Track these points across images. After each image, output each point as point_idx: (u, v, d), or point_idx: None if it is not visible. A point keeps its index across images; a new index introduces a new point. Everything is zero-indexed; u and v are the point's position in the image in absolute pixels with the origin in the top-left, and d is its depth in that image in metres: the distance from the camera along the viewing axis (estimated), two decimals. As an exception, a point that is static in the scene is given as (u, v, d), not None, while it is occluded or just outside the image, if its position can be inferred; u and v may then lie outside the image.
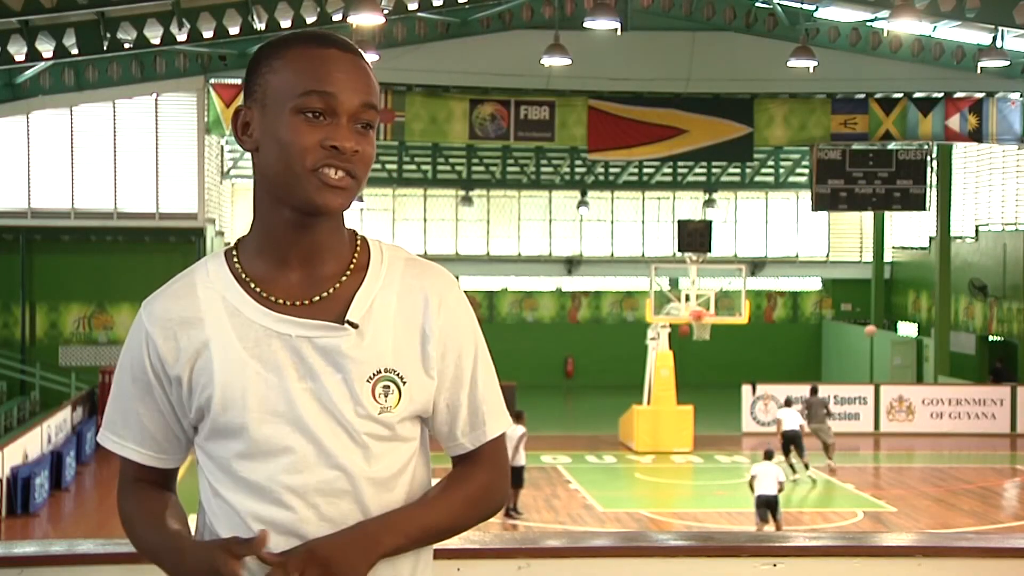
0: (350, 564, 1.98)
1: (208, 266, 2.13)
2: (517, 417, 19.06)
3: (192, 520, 2.19)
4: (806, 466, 21.63)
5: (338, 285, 2.07)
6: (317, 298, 2.06)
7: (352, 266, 2.10)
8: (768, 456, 18.51)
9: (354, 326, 2.04)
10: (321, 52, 2.05)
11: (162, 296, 2.13)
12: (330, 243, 2.09)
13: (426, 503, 2.12)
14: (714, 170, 37.60)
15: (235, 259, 2.11)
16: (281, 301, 2.06)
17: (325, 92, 2.02)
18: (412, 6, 24.57)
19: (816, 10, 26.64)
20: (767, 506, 17.78)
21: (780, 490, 17.98)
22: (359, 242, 2.14)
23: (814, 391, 24.04)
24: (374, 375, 2.04)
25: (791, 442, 21.57)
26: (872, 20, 26.38)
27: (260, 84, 2.07)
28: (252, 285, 2.07)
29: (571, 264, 38.07)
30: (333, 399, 2.03)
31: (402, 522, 2.06)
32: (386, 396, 2.05)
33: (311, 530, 2.03)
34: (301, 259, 2.08)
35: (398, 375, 2.06)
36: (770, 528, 18.51)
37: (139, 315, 2.13)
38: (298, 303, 2.06)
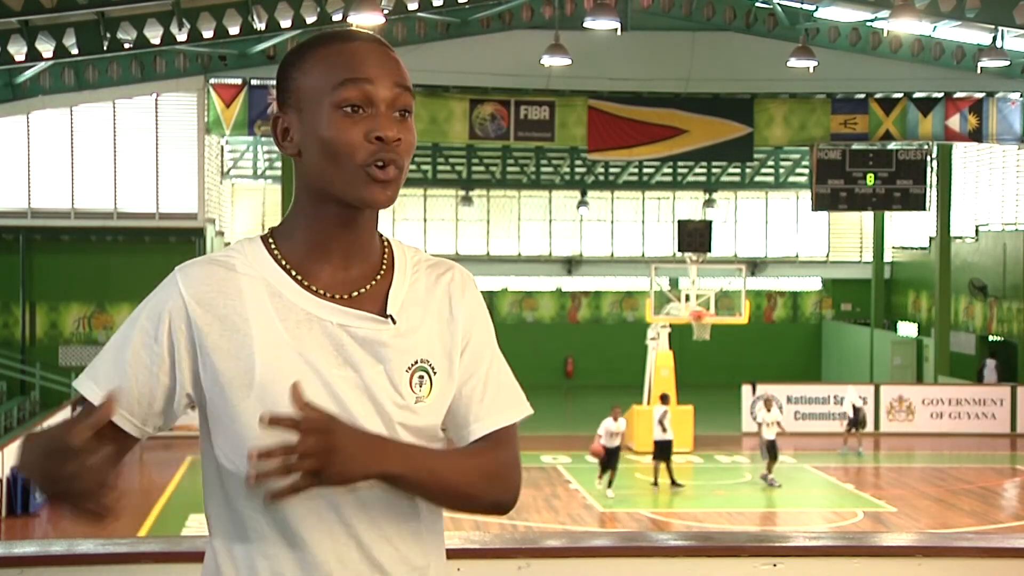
0: (351, 459, 1.94)
1: (245, 248, 2.12)
2: (663, 399, 22.05)
3: (197, 518, 2.14)
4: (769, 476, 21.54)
5: (375, 282, 2.11)
6: (356, 293, 2.10)
7: (384, 264, 2.14)
8: (664, 400, 22.04)
9: (393, 320, 2.09)
10: (347, 46, 2.06)
11: (201, 264, 2.10)
12: (369, 240, 2.13)
13: (444, 453, 2.13)
14: (714, 170, 37.60)
15: (272, 246, 2.12)
16: (322, 292, 2.08)
17: (360, 79, 2.03)
18: (412, 6, 24.58)
19: (816, 10, 26.65)
20: (664, 448, 21.22)
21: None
22: (385, 241, 2.18)
23: None
24: (411, 366, 2.08)
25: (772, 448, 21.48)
26: (872, 20, 26.39)
27: (292, 88, 2.09)
28: (294, 272, 2.09)
29: (571, 264, 38.07)
30: (373, 389, 2.05)
31: (415, 454, 2.04)
32: (420, 386, 2.09)
33: (342, 501, 2.03)
34: (342, 255, 2.10)
35: (430, 365, 2.10)
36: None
37: (173, 277, 2.08)
38: (337, 296, 2.08)
